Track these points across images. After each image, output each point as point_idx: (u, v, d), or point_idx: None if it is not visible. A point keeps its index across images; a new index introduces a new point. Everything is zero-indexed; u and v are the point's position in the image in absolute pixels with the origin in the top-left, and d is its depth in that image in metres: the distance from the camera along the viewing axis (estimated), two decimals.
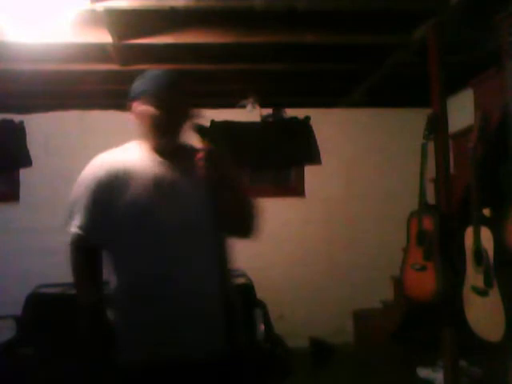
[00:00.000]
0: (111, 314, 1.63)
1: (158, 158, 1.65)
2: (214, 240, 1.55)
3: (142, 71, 1.69)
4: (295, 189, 5.02)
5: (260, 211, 1.70)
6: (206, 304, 1.55)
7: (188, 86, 1.68)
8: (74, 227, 1.61)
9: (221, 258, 1.59)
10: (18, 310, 3.84)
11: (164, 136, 1.65)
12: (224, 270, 1.57)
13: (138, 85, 1.66)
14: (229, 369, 1.56)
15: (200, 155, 1.52)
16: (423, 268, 2.84)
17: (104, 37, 2.97)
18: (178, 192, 1.62)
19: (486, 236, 2.37)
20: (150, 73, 1.67)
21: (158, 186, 1.60)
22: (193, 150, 1.60)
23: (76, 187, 1.65)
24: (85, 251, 1.64)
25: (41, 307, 3.88)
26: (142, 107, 1.63)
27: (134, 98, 1.66)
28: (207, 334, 1.55)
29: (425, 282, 2.82)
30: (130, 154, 1.67)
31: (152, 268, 1.56)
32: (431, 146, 2.96)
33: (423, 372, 3.59)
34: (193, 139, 1.62)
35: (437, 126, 2.92)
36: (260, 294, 3.65)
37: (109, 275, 1.64)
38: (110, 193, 1.59)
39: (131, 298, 1.59)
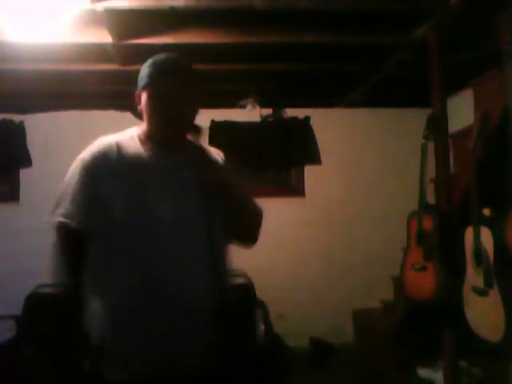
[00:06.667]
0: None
1: (156, 149, 1.55)
2: (211, 243, 1.48)
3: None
4: (295, 189, 5.02)
5: (261, 221, 1.67)
6: (198, 316, 1.44)
7: (193, 72, 1.58)
8: (58, 215, 1.53)
9: (217, 262, 1.50)
10: (18, 310, 3.84)
11: (161, 126, 1.54)
12: (220, 277, 1.49)
13: (140, 72, 1.59)
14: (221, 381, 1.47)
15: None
16: (423, 268, 2.84)
17: (104, 37, 2.97)
18: (172, 188, 1.51)
19: (486, 236, 2.37)
20: (151, 59, 1.58)
21: (151, 177, 1.50)
22: (201, 150, 1.54)
23: (67, 174, 1.57)
24: (68, 241, 1.54)
25: (41, 307, 3.88)
26: (140, 96, 1.57)
27: (138, 87, 1.57)
28: (195, 347, 1.44)
29: (425, 282, 2.82)
30: (127, 141, 1.58)
31: (142, 270, 1.44)
32: (431, 146, 2.96)
33: (423, 372, 3.59)
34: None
35: (437, 126, 2.92)
36: (260, 293, 3.65)
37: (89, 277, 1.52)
38: (100, 180, 1.49)
39: (115, 304, 1.46)
